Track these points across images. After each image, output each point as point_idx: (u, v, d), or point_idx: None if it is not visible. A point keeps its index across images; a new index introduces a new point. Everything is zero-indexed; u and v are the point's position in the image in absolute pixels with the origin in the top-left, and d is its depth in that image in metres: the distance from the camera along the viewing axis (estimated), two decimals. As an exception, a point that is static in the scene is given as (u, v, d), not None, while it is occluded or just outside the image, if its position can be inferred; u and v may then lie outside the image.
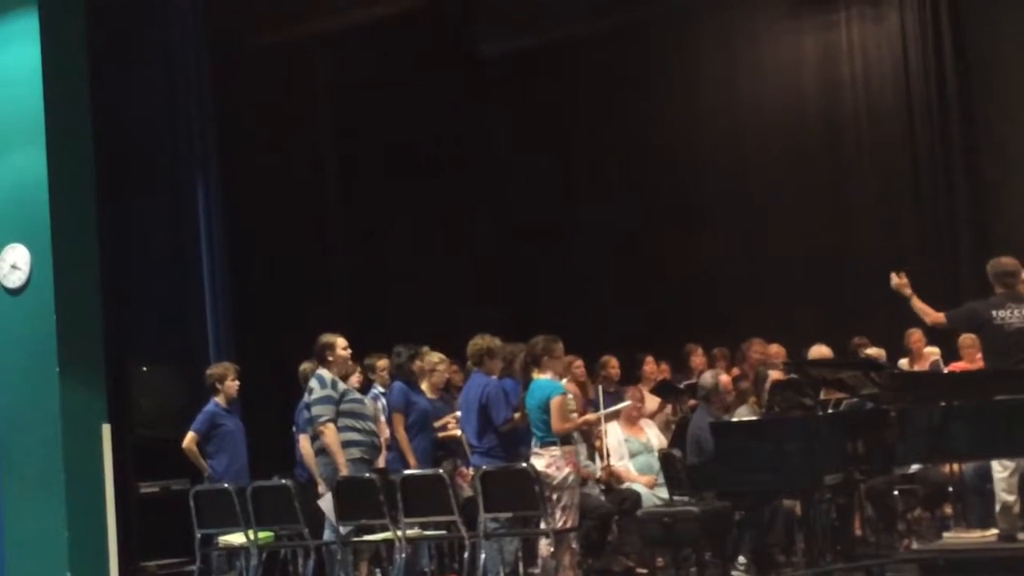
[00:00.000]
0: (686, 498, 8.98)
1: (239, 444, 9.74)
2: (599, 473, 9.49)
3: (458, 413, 9.32)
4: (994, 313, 8.72)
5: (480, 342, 8.93)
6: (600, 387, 9.84)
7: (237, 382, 9.79)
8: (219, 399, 9.73)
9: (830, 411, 8.74)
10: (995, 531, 8.85)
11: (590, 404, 9.64)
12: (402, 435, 9.23)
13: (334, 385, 8.84)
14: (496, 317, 12.38)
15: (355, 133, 13.29)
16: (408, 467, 9.00)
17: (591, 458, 9.48)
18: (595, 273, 14.20)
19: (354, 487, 8.60)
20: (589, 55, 14.47)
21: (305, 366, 9.40)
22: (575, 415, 8.63)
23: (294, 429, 9.76)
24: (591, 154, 14.56)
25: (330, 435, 8.74)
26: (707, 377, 9.51)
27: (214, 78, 11.38)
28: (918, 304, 9.11)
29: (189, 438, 9.64)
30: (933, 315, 9.09)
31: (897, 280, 9.04)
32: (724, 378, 9.47)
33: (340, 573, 8.79)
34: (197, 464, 9.68)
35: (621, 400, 9.81)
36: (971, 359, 10.03)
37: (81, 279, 9.56)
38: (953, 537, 9.23)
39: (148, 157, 11.24)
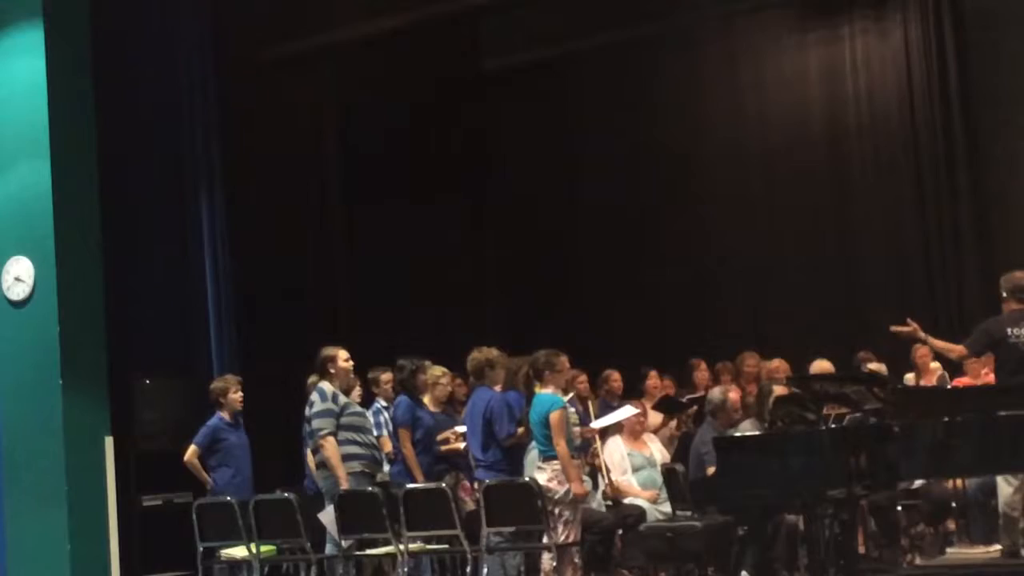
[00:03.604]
0: (689, 513, 8.97)
1: (243, 457, 9.72)
2: (598, 492, 9.46)
3: (457, 428, 9.32)
4: (1009, 331, 8.59)
5: (479, 355, 8.93)
6: (590, 402, 9.86)
7: (240, 395, 9.78)
8: (223, 413, 9.71)
9: (833, 426, 8.72)
10: (998, 547, 8.84)
11: (588, 418, 9.64)
12: (409, 450, 9.21)
13: (335, 398, 8.83)
14: (499, 330, 12.38)
15: (360, 146, 13.31)
16: (414, 482, 8.99)
17: (590, 475, 9.44)
18: (599, 286, 14.19)
19: (356, 500, 8.59)
20: (594, 71, 14.48)
21: (312, 379, 9.39)
22: (577, 429, 8.63)
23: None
24: (596, 169, 14.56)
25: (330, 448, 8.74)
26: (716, 393, 9.47)
27: (219, 91, 11.40)
28: (938, 344, 9.05)
29: (191, 451, 9.62)
30: (956, 349, 8.95)
31: (907, 328, 8.89)
32: (733, 395, 9.42)
33: (342, 587, 8.79)
34: (199, 477, 9.67)
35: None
36: (976, 374, 10.00)
37: (84, 292, 9.59)
38: (956, 553, 9.22)
39: (152, 170, 11.27)
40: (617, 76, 14.34)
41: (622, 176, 14.28)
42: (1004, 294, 8.82)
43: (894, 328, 8.99)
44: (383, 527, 8.46)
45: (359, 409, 9.17)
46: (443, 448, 9.37)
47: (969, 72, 12.70)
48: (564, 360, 8.47)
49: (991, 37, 12.58)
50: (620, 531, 9.33)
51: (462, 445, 9.24)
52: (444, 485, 8.61)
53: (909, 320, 8.96)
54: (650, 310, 13.73)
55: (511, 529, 8.39)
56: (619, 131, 14.24)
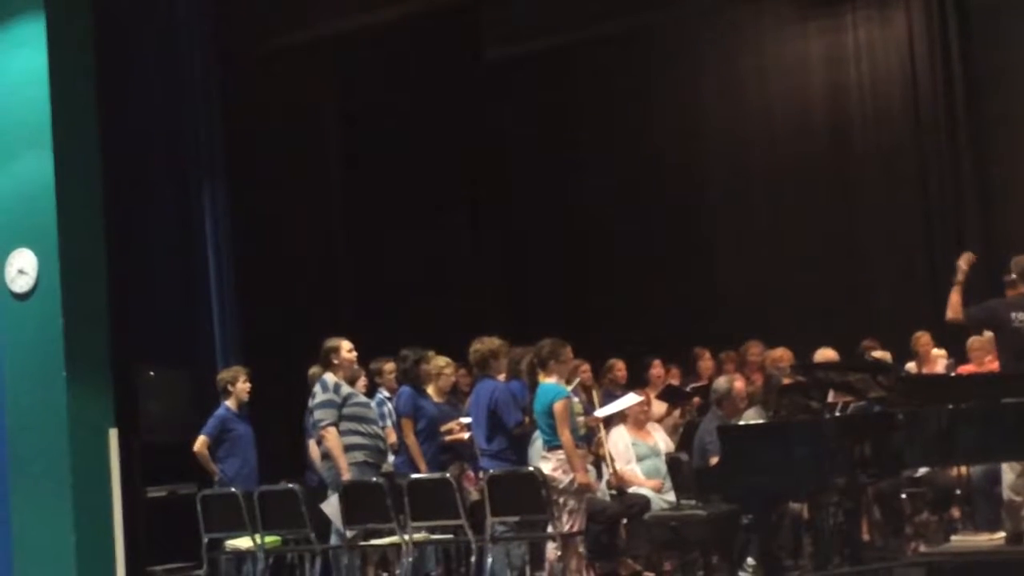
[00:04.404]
0: (693, 502, 8.97)
1: (249, 448, 9.74)
2: (602, 481, 9.46)
3: (462, 419, 9.32)
4: (1013, 315, 8.60)
5: (480, 346, 8.87)
6: (594, 391, 9.85)
7: (248, 385, 9.78)
8: (230, 403, 9.72)
9: (837, 414, 8.72)
10: (1003, 534, 8.83)
11: (592, 407, 9.64)
12: (412, 440, 9.21)
13: (336, 389, 8.83)
14: (502, 321, 12.37)
15: (361, 136, 13.29)
16: (418, 472, 8.99)
17: (594, 464, 9.44)
18: (602, 276, 14.19)
19: (361, 491, 8.59)
20: (595, 59, 14.48)
21: (314, 370, 9.39)
22: (581, 418, 8.63)
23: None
24: (597, 158, 14.56)
25: (331, 439, 8.74)
26: (721, 382, 9.45)
27: (220, 81, 11.38)
28: (954, 295, 8.89)
29: (200, 442, 9.62)
30: (955, 310, 8.84)
31: (964, 261, 8.84)
32: (738, 384, 9.40)
33: (346, 577, 8.79)
34: (208, 468, 9.67)
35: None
36: (980, 362, 9.99)
37: (88, 283, 9.59)
38: (960, 540, 9.20)
39: (154, 161, 11.24)
40: (618, 65, 14.35)
41: (623, 165, 14.27)
42: (1014, 276, 8.80)
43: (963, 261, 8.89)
44: (387, 517, 8.45)
45: (363, 399, 9.16)
46: (447, 439, 9.38)
47: (973, 59, 12.69)
48: (568, 350, 8.47)
49: (994, 23, 12.57)
50: (624, 520, 9.34)
51: (466, 435, 9.24)
52: (448, 475, 8.61)
53: (969, 257, 8.91)
54: (654, 298, 13.73)
55: (516, 519, 8.39)
56: (620, 120, 14.24)
